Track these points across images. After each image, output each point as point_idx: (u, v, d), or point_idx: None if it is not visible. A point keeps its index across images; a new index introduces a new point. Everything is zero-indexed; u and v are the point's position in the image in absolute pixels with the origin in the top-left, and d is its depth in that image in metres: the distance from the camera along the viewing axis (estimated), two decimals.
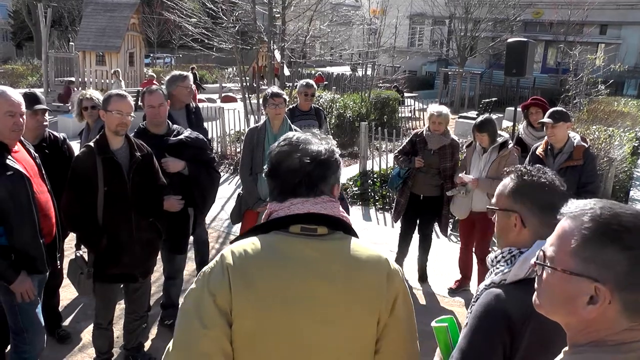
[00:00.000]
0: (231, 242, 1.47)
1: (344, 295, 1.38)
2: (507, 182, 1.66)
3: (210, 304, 1.33)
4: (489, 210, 1.72)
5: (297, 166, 1.42)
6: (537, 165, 1.70)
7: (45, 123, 3.50)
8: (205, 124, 4.95)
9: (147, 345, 3.84)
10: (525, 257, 1.49)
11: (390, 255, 1.51)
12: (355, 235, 1.50)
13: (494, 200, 1.70)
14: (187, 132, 3.80)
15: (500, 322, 1.45)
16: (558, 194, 1.58)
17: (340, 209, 1.50)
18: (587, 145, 4.12)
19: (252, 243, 1.41)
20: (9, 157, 2.69)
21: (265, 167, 1.52)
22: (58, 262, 3.17)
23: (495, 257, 1.63)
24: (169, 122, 3.78)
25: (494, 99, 17.23)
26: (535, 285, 1.13)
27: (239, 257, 1.38)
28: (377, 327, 1.43)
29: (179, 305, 1.41)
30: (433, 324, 1.64)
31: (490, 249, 4.70)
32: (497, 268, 1.59)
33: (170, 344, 1.37)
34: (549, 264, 1.07)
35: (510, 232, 1.62)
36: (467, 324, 1.59)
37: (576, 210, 1.05)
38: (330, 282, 1.37)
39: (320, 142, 1.48)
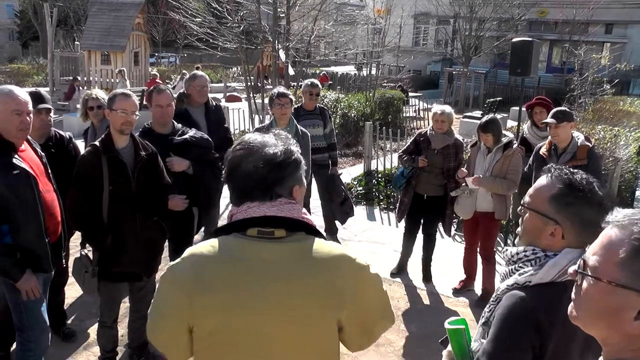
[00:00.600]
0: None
1: (302, 296, 1.37)
2: (549, 184, 1.53)
3: (172, 297, 1.42)
4: (521, 208, 1.60)
5: (251, 170, 1.40)
6: (583, 173, 1.56)
7: (49, 122, 3.51)
8: None
9: None
10: (554, 262, 1.45)
11: (358, 254, 1.47)
12: (320, 236, 1.46)
13: (528, 199, 1.58)
14: (191, 132, 3.81)
15: (528, 324, 1.42)
16: (606, 213, 1.46)
17: (303, 210, 1.47)
18: (591, 145, 4.11)
19: (210, 245, 1.42)
20: (16, 156, 2.70)
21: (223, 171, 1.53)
22: (63, 260, 3.19)
23: (517, 254, 1.55)
24: (174, 121, 3.80)
25: (498, 98, 17.21)
26: (573, 296, 1.07)
27: (197, 259, 1.41)
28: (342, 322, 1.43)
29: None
30: (447, 325, 1.62)
31: (494, 249, 4.70)
32: (521, 267, 1.53)
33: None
34: (591, 274, 1.01)
35: (544, 237, 1.52)
36: (482, 323, 1.56)
37: (624, 219, 0.99)
38: (287, 283, 1.36)
39: (276, 144, 1.43)
